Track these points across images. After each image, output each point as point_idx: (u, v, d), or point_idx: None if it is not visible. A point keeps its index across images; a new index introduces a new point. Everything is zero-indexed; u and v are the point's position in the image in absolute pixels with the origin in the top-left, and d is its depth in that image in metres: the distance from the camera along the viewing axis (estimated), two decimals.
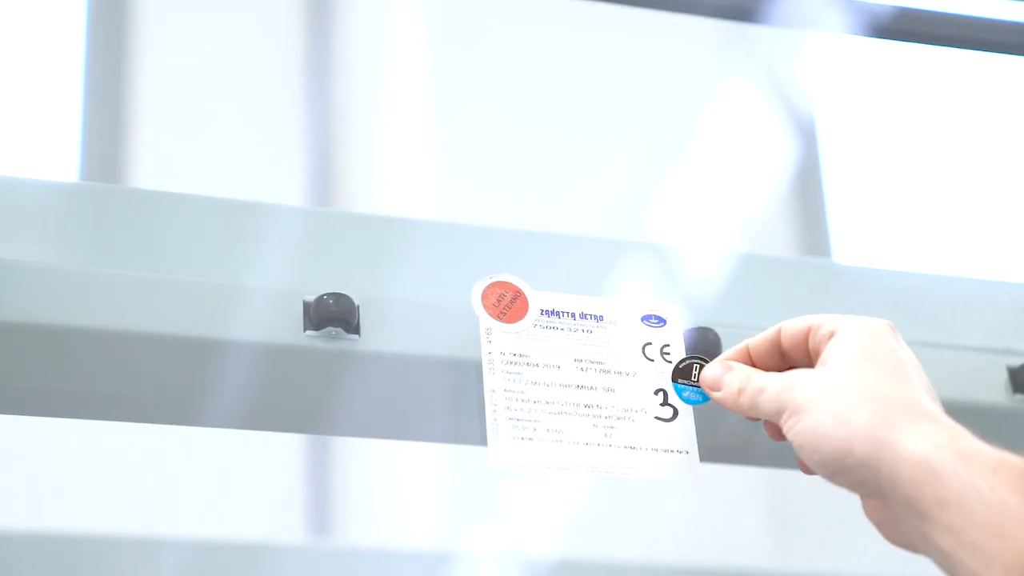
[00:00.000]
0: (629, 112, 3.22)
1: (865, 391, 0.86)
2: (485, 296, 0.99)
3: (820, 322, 0.93)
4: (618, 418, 0.98)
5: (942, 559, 0.79)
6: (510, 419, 0.95)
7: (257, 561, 2.13)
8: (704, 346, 1.01)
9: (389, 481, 2.86)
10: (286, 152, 2.95)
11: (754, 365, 0.96)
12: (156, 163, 2.88)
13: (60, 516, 2.56)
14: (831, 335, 0.91)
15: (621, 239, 1.16)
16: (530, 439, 0.95)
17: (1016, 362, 1.09)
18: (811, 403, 0.87)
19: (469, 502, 2.83)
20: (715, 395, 0.96)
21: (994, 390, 1.08)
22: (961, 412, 1.04)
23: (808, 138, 3.34)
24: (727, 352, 0.97)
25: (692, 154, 3.20)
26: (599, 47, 3.21)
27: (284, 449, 2.80)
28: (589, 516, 2.75)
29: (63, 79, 2.96)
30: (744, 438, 1.00)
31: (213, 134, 2.90)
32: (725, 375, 0.95)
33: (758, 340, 0.96)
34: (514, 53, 3.14)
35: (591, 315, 1.01)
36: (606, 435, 0.97)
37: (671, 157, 3.19)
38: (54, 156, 2.91)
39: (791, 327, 0.94)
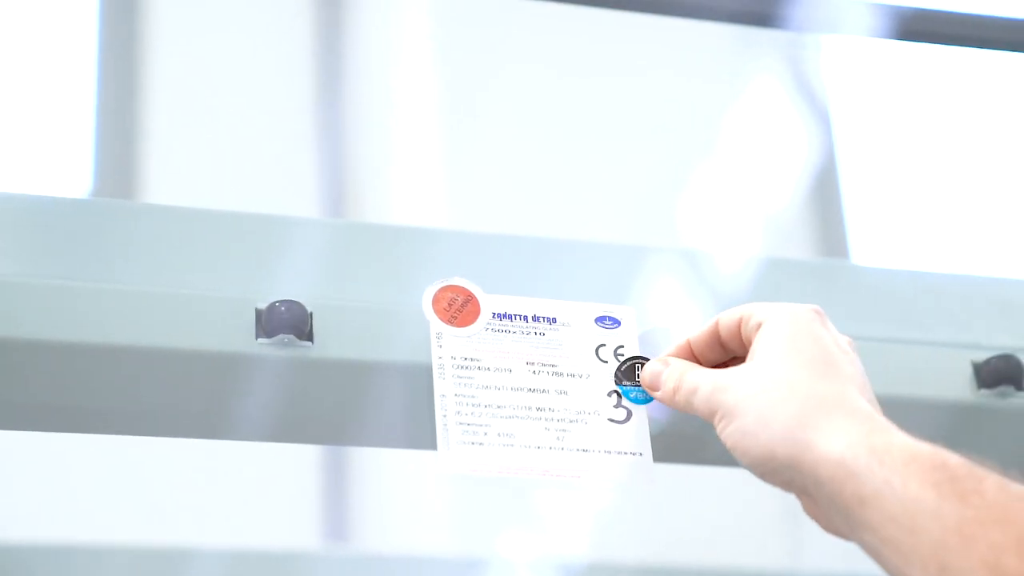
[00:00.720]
0: (644, 115, 3.21)
1: (785, 388, 0.85)
2: (436, 300, 0.99)
3: (750, 313, 0.92)
4: (571, 421, 0.97)
5: (871, 553, 0.79)
6: (460, 424, 0.95)
7: (275, 569, 2.13)
8: (663, 347, 1.01)
9: (405, 486, 2.86)
10: (299, 164, 2.96)
11: (696, 359, 0.96)
12: (168, 175, 2.90)
13: (77, 526, 2.57)
14: (759, 326, 0.91)
15: (612, 243, 1.16)
16: (480, 444, 0.95)
17: (981, 357, 1.08)
18: (738, 405, 0.87)
19: (487, 505, 2.83)
20: (655, 395, 0.96)
21: (959, 385, 1.07)
22: (926, 408, 1.03)
23: (824, 138, 3.33)
24: (669, 348, 0.97)
25: (708, 157, 3.19)
26: (609, 51, 3.20)
27: (299, 456, 2.81)
28: (610, 517, 2.74)
29: (74, 92, 2.98)
30: (698, 437, 0.99)
31: (225, 144, 2.91)
32: (663, 372, 0.95)
33: (698, 334, 0.96)
34: (526, 58, 3.14)
35: (544, 318, 1.01)
36: (558, 438, 0.97)
37: (687, 160, 3.19)
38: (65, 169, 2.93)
39: (726, 318, 0.94)
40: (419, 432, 0.99)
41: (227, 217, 1.01)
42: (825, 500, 0.82)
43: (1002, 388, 1.07)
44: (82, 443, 2.48)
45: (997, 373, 1.07)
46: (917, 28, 1.47)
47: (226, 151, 2.90)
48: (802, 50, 3.31)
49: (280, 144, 2.95)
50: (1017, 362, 1.08)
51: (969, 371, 1.08)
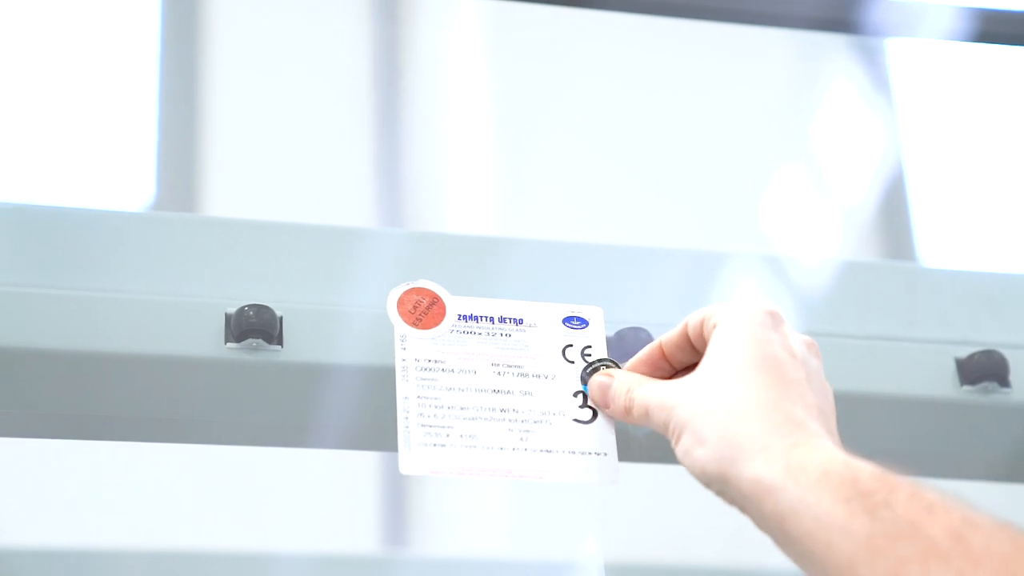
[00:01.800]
0: (708, 123, 3.20)
1: (720, 402, 0.86)
2: (401, 303, 0.99)
3: (710, 313, 0.92)
4: (535, 421, 0.98)
5: (798, 566, 0.80)
6: (423, 426, 0.95)
7: (333, 574, 2.14)
8: (636, 346, 1.01)
9: (463, 489, 2.87)
10: (357, 175, 2.98)
11: (668, 361, 0.96)
12: (229, 188, 2.93)
13: (130, 532, 2.60)
14: (714, 328, 0.91)
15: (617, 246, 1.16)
16: (443, 445, 0.95)
17: (964, 353, 1.07)
18: (681, 422, 0.87)
19: (547, 507, 2.83)
20: (607, 412, 0.96)
21: (941, 382, 1.06)
22: (909, 405, 1.02)
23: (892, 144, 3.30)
24: (643, 350, 0.97)
25: (771, 164, 3.17)
26: (675, 60, 3.20)
27: (357, 460, 2.82)
28: (648, 519, 2.73)
29: (135, 110, 3.02)
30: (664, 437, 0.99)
31: (285, 158, 2.94)
32: (611, 387, 0.96)
33: (670, 335, 0.95)
34: (585, 68, 3.14)
35: (510, 319, 1.01)
36: (522, 439, 0.97)
37: (749, 167, 3.17)
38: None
39: (693, 320, 0.94)
40: (390, 435, 0.99)
41: (195, 223, 1.02)
42: (754, 517, 0.82)
43: (985, 384, 1.06)
44: (95, 449, 2.51)
45: (980, 369, 1.06)
46: (988, 29, 1.46)
47: (283, 163, 2.93)
48: (868, 54, 3.29)
49: (339, 155, 2.98)
50: (1000, 358, 1.06)
51: (952, 367, 1.07)
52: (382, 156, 3.02)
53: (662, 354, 0.96)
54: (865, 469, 0.78)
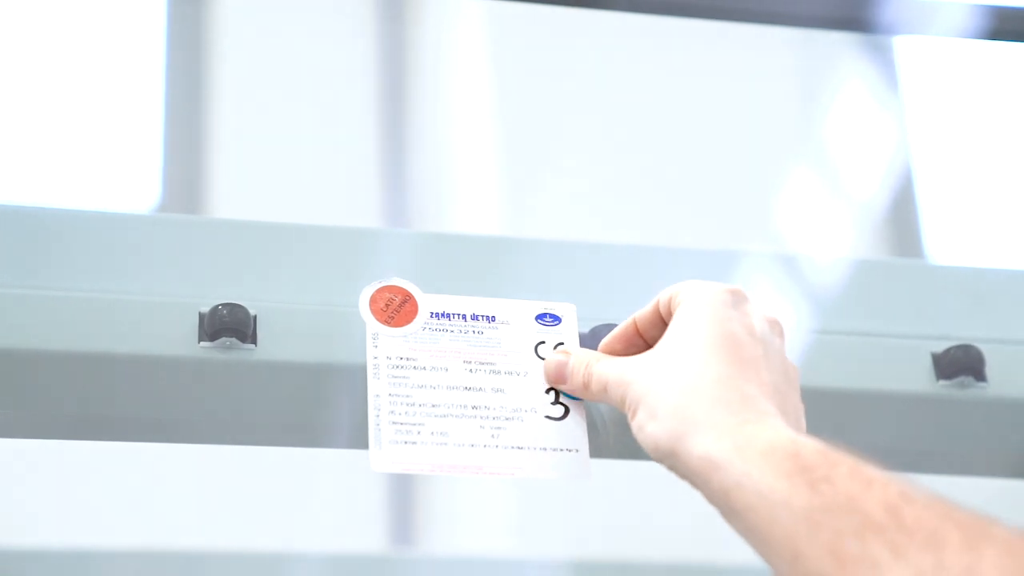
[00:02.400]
0: (718, 123, 3.20)
1: (675, 379, 0.88)
2: (373, 301, 1.00)
3: (677, 291, 0.94)
4: (506, 418, 0.98)
5: (745, 541, 0.82)
6: (394, 423, 0.96)
7: (341, 573, 2.14)
8: None
9: (470, 487, 2.87)
10: (363, 176, 2.98)
11: (642, 337, 0.97)
12: (234, 190, 2.94)
13: (145, 532, 2.61)
14: (678, 306, 0.93)
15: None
16: (414, 442, 0.96)
17: (940, 347, 1.07)
18: (637, 397, 0.89)
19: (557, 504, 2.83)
20: (563, 387, 0.98)
21: (917, 377, 1.06)
22: (884, 400, 1.03)
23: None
24: (618, 327, 0.98)
25: (777, 162, 3.17)
26: (691, 59, 3.20)
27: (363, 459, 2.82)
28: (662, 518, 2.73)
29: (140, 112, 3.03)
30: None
31: (289, 157, 2.94)
32: (568, 363, 0.97)
33: (643, 312, 0.97)
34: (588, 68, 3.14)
35: (483, 316, 1.01)
36: (493, 436, 0.97)
37: (757, 166, 3.17)
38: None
39: (663, 296, 0.95)
40: (364, 432, 0.99)
41: (168, 222, 1.03)
42: (703, 492, 0.84)
43: (961, 379, 1.06)
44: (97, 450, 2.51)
45: (956, 363, 1.06)
46: (999, 27, 1.46)
47: (290, 164, 2.93)
48: (878, 51, 3.28)
49: (345, 157, 2.98)
50: (976, 352, 1.06)
51: (928, 362, 1.07)
52: (387, 157, 3.03)
53: (636, 331, 0.97)
54: (809, 445, 0.80)
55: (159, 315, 0.99)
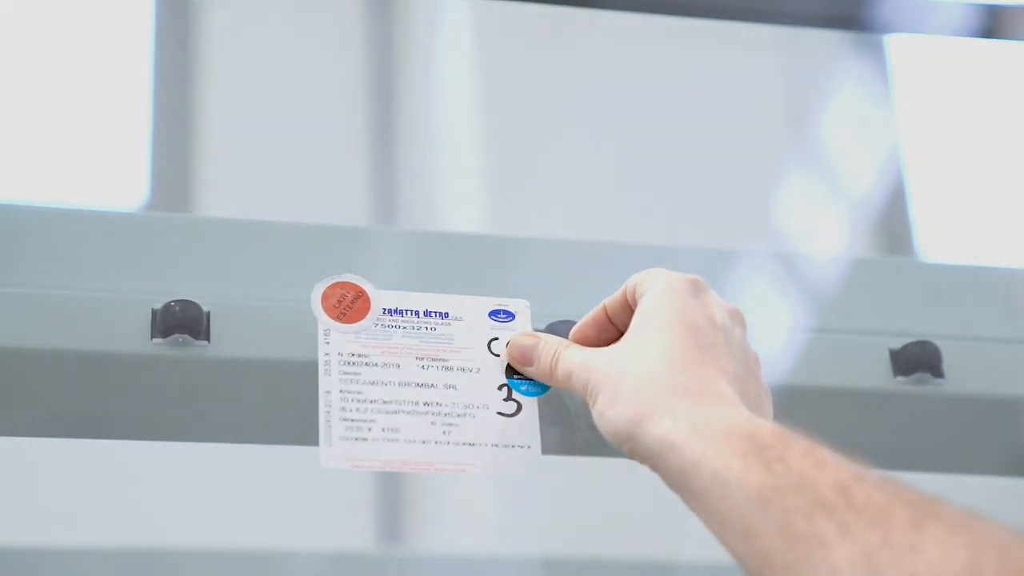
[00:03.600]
0: (707, 121, 3.20)
1: (637, 367, 0.89)
2: (325, 297, 0.99)
3: (641, 279, 0.95)
4: (458, 415, 0.98)
5: (702, 523, 0.83)
6: (344, 420, 0.96)
7: (330, 571, 2.14)
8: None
9: (460, 484, 2.87)
10: (350, 174, 2.98)
11: (613, 323, 0.98)
12: (222, 187, 2.94)
13: (126, 531, 2.61)
14: (642, 296, 0.94)
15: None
16: (364, 439, 0.95)
17: (897, 344, 1.07)
18: (600, 384, 0.90)
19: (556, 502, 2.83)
20: (528, 370, 0.98)
21: (875, 373, 1.06)
22: (841, 396, 1.02)
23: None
24: (590, 313, 0.98)
25: (764, 162, 3.17)
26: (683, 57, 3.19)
27: None
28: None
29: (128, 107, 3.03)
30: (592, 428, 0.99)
31: (275, 155, 2.94)
32: (536, 346, 0.98)
33: (613, 298, 0.98)
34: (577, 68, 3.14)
35: (436, 312, 1.01)
36: (445, 432, 0.97)
37: (754, 163, 3.16)
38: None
39: (630, 283, 0.96)
40: (316, 429, 0.99)
41: (121, 218, 1.02)
42: (661, 473, 0.85)
43: (919, 375, 1.06)
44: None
45: (913, 360, 1.06)
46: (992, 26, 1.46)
47: (276, 162, 2.93)
48: (870, 49, 3.28)
49: (331, 154, 2.98)
50: (934, 348, 1.06)
51: (886, 358, 1.06)
52: (376, 154, 3.02)
53: (607, 317, 0.98)
54: (765, 426, 0.82)
55: (112, 312, 0.99)
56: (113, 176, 2.97)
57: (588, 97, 3.11)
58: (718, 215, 3.06)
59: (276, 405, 1.02)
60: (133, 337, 0.98)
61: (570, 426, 1.00)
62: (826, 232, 3.06)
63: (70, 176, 2.92)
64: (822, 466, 0.77)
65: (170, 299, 0.99)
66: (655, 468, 0.86)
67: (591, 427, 0.94)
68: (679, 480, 0.83)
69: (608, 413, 0.89)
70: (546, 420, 0.99)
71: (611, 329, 0.98)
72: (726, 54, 3.21)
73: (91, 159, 2.95)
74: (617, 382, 0.89)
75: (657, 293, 0.93)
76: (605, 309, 0.98)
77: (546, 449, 0.98)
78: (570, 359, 0.95)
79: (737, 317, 0.94)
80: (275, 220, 1.06)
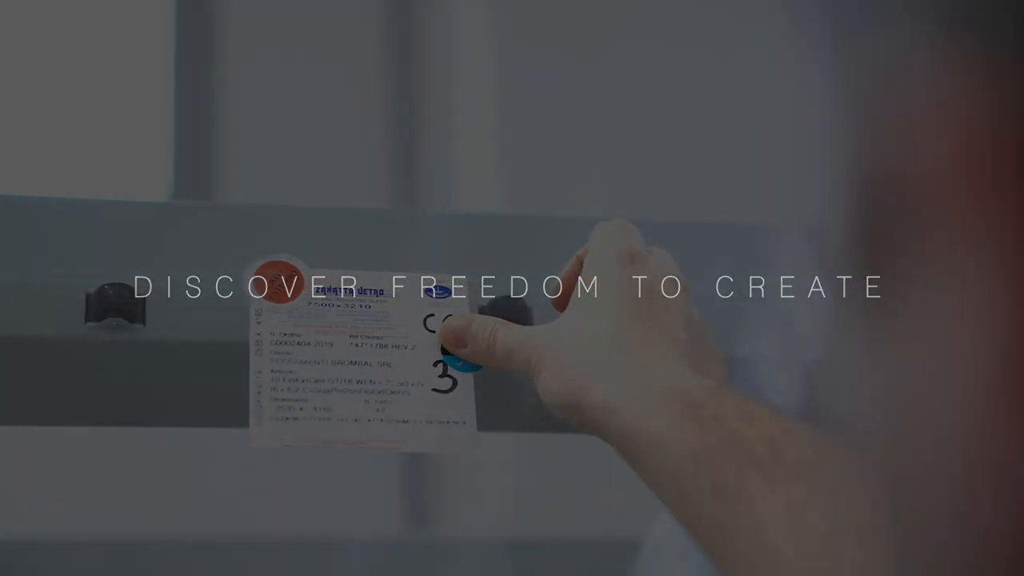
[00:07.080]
0: (724, 109, 3.17)
1: (574, 338, 0.89)
2: (258, 277, 0.99)
3: (589, 245, 0.95)
4: (392, 392, 0.96)
5: (646, 484, 0.83)
6: (275, 399, 0.95)
7: (357, 556, 2.14)
8: (510, 316, 0.99)
9: (484, 469, 2.86)
10: (368, 160, 2.98)
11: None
12: (245, 173, 2.94)
13: (137, 521, 2.62)
14: (585, 268, 0.94)
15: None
16: (295, 418, 0.94)
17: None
18: (542, 358, 0.90)
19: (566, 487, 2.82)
20: (463, 352, 0.97)
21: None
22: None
23: None
24: (559, 280, 0.97)
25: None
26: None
27: None
28: None
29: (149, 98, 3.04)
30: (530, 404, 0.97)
31: (296, 142, 2.94)
32: (470, 326, 0.96)
33: (569, 266, 0.97)
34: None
35: (371, 290, 1.00)
36: (378, 410, 0.96)
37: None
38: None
39: (581, 251, 0.96)
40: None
41: (52, 203, 1.02)
42: (609, 441, 0.85)
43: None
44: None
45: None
46: None
47: (296, 149, 2.93)
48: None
49: (350, 142, 2.98)
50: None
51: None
52: (392, 139, 3.02)
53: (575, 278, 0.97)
54: (702, 384, 0.82)
55: (45, 296, 0.98)
56: (136, 165, 2.98)
57: (608, 76, 3.09)
58: (747, 194, 3.03)
59: (212, 388, 1.01)
60: (67, 322, 0.98)
61: (516, 402, 0.98)
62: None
63: (89, 168, 2.93)
64: (754, 422, 0.77)
65: (103, 283, 0.98)
66: (601, 436, 0.86)
67: (538, 404, 0.93)
68: (622, 446, 0.83)
69: (552, 386, 0.88)
70: (488, 397, 0.97)
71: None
72: (751, 29, 3.18)
73: (111, 149, 2.97)
74: (558, 354, 0.89)
75: (594, 263, 0.93)
76: (566, 276, 0.97)
77: (483, 426, 0.97)
78: (509, 338, 0.94)
79: (674, 283, 0.93)
80: (205, 201, 1.05)
